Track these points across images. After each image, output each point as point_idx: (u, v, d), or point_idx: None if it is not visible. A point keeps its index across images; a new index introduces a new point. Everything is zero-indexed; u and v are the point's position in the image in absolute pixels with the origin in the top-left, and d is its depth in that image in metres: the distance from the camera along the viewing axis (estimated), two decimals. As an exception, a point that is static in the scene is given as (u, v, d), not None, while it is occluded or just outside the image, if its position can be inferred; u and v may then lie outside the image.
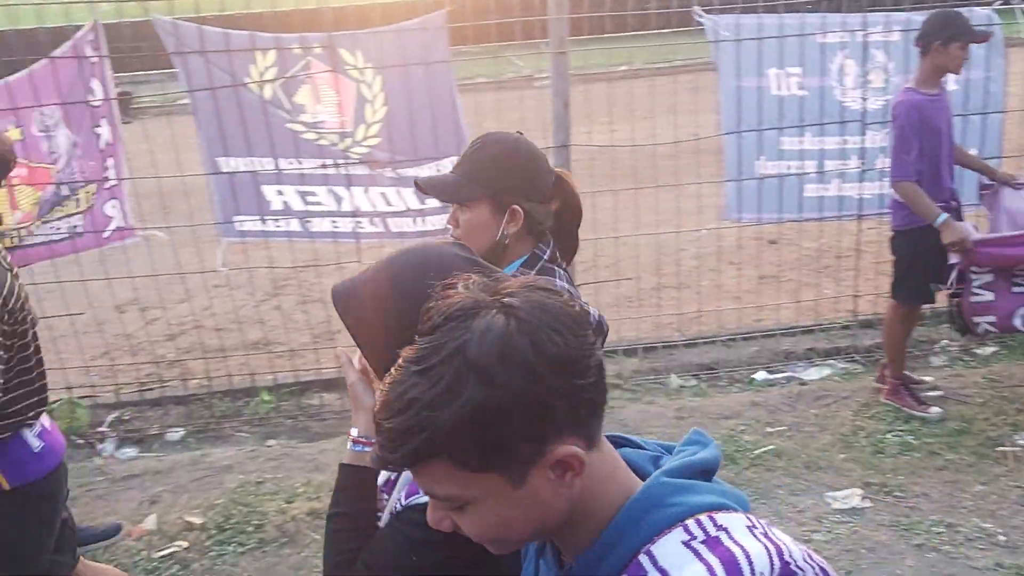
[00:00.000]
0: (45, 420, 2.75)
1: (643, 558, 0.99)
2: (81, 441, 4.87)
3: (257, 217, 4.97)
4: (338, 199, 4.96)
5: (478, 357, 0.96)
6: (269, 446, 4.80)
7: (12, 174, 4.53)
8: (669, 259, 5.96)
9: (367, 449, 1.64)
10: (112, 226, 4.88)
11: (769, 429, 4.56)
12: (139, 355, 5.30)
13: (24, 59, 4.57)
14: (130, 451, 4.85)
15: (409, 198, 4.96)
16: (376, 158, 4.87)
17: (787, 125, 5.16)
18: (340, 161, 4.86)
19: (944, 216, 4.17)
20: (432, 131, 4.79)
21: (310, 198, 4.95)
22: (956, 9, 4.41)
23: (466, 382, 0.96)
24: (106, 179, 4.77)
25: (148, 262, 5.25)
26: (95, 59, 4.58)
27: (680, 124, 5.41)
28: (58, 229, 4.75)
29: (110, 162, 4.79)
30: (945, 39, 4.16)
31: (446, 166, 4.85)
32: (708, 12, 5.09)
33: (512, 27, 5.10)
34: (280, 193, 4.94)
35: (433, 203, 5.00)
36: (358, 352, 1.69)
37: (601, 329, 2.05)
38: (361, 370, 1.71)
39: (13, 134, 4.54)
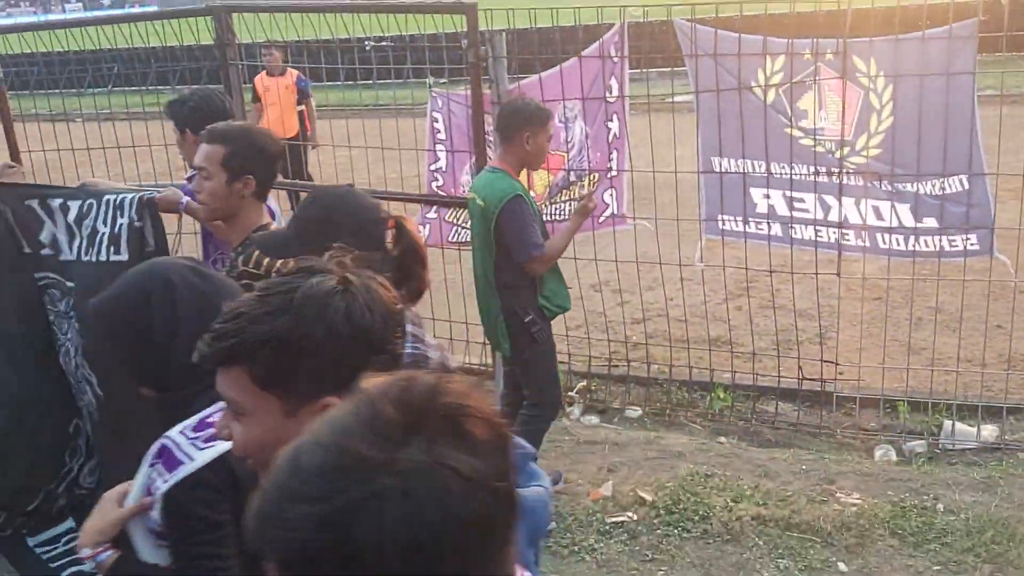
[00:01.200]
0: None
1: None
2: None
3: (740, 218, 5.05)
4: (826, 208, 4.84)
5: (301, 300, 1.24)
6: (720, 442, 4.90)
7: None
8: None
9: (110, 551, 1.72)
10: (607, 213, 5.30)
11: None
12: (609, 332, 5.70)
13: (558, 56, 5.13)
14: (593, 419, 5.28)
15: (904, 215, 4.67)
16: (874, 169, 4.67)
17: None
18: (834, 169, 4.74)
19: None
20: (941, 146, 4.45)
21: (797, 204, 4.90)
22: None
23: (284, 313, 1.24)
24: (609, 169, 5.19)
25: (630, 248, 5.59)
26: (616, 59, 4.99)
27: None
28: (561, 210, 5.28)
29: (614, 155, 5.21)
30: None
31: (953, 184, 4.48)
32: None
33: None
34: (767, 196, 4.96)
35: (930, 223, 4.66)
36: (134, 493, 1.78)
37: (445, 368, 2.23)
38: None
39: (538, 123, 5.13)
